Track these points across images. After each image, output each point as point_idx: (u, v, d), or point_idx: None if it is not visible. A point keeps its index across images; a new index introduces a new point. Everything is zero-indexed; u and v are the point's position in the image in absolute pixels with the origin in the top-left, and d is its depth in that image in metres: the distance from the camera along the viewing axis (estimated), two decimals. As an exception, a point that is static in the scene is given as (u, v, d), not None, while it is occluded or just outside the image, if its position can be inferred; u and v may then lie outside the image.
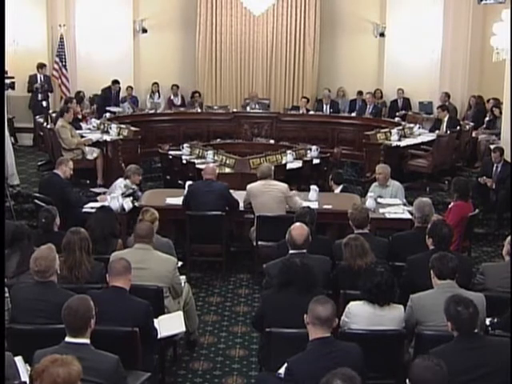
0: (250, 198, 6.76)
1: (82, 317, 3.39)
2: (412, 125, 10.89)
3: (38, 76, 11.80)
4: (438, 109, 11.07)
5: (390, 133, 10.14)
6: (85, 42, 12.64)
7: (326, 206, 6.93)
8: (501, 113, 10.31)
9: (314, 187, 7.25)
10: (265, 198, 6.66)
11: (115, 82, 12.44)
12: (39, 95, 11.71)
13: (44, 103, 11.69)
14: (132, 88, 12.87)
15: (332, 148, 10.70)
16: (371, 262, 4.66)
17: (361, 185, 9.61)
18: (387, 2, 13.02)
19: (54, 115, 10.46)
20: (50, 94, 11.99)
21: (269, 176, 6.78)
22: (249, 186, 6.80)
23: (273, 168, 7.11)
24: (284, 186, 6.79)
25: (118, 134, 9.81)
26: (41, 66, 11.79)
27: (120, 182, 7.40)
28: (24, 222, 7.65)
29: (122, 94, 12.75)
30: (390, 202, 7.19)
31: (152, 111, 12.38)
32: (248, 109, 12.49)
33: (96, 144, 9.53)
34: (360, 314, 4.06)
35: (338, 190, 7.59)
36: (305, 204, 6.43)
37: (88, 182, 9.25)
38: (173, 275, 4.87)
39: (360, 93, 13.05)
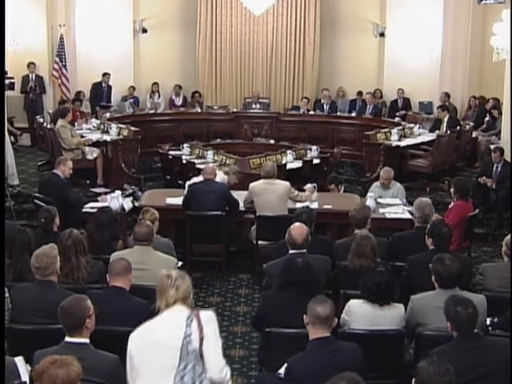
0: (253, 196, 6.76)
1: (75, 316, 3.38)
2: (412, 125, 10.89)
3: (30, 76, 11.80)
4: (438, 109, 11.08)
5: (390, 133, 10.14)
6: (85, 42, 12.64)
7: (325, 206, 6.94)
8: (500, 114, 10.31)
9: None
10: (267, 197, 6.66)
11: (105, 74, 12.44)
12: (31, 95, 11.72)
13: (37, 103, 11.69)
14: (134, 88, 12.87)
15: (332, 148, 10.71)
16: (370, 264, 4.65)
17: (361, 185, 9.60)
18: (387, 2, 13.02)
19: (52, 115, 10.46)
20: (43, 94, 11.97)
21: (273, 175, 6.79)
22: (251, 185, 6.81)
23: (276, 167, 7.12)
24: (286, 184, 6.80)
25: (118, 134, 9.81)
26: (30, 65, 11.76)
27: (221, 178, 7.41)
28: (24, 222, 7.70)
29: (116, 90, 12.75)
30: (390, 202, 7.20)
31: (152, 111, 12.38)
32: (252, 106, 12.56)
33: (96, 144, 9.54)
34: (360, 313, 4.06)
35: (342, 190, 7.78)
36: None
37: (88, 181, 9.24)
38: (173, 275, 4.85)
39: (360, 93, 13.05)
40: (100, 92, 12.52)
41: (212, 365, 3.02)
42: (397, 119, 11.66)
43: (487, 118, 11.11)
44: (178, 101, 13.21)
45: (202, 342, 3.00)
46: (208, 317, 3.12)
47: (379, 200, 7.16)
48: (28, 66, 11.73)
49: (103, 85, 12.56)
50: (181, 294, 3.15)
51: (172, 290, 3.15)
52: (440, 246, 4.82)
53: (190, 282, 3.24)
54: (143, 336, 3.13)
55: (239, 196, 6.96)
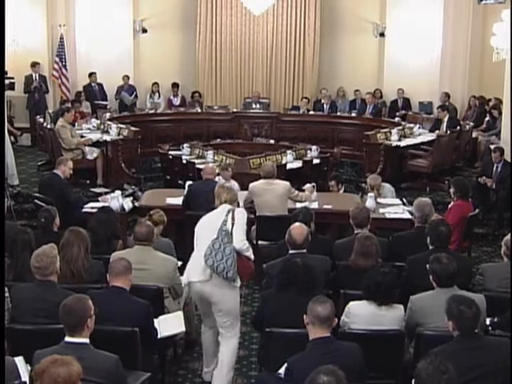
0: (253, 196, 6.75)
1: (77, 315, 3.38)
2: (412, 125, 10.88)
3: (34, 75, 11.80)
4: (438, 109, 11.07)
5: (390, 133, 10.14)
6: (85, 42, 12.66)
7: (326, 206, 6.94)
8: (500, 114, 10.31)
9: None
10: (267, 197, 6.66)
11: (91, 73, 12.43)
12: (36, 95, 11.72)
13: (40, 103, 11.69)
14: (128, 77, 12.77)
15: (332, 148, 10.71)
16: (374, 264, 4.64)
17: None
18: (387, 2, 13.02)
19: (52, 115, 10.46)
20: (46, 94, 12.00)
21: (272, 175, 6.78)
22: (251, 185, 6.81)
23: (276, 167, 7.10)
24: (286, 184, 6.78)
25: (118, 134, 9.81)
26: (34, 65, 11.77)
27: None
28: (24, 222, 7.70)
29: (115, 90, 12.74)
30: (389, 202, 7.20)
31: (152, 111, 12.38)
32: (252, 106, 12.56)
33: (96, 144, 9.54)
34: (360, 314, 4.06)
35: (342, 190, 7.79)
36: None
37: (88, 182, 9.24)
38: (173, 275, 4.87)
39: (357, 91, 13.04)
40: (92, 92, 12.51)
41: (236, 239, 4.56)
42: (397, 119, 11.66)
43: (487, 118, 11.11)
44: (176, 101, 13.19)
45: (232, 226, 4.58)
46: (239, 211, 4.78)
47: (379, 200, 7.16)
48: (33, 65, 11.74)
49: (93, 85, 12.54)
50: (229, 196, 4.84)
51: (224, 193, 4.86)
52: (439, 246, 4.81)
53: (237, 193, 5.14)
54: (204, 219, 4.81)
55: (239, 196, 6.95)
